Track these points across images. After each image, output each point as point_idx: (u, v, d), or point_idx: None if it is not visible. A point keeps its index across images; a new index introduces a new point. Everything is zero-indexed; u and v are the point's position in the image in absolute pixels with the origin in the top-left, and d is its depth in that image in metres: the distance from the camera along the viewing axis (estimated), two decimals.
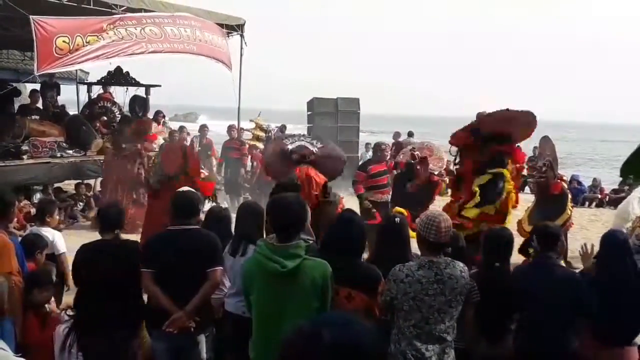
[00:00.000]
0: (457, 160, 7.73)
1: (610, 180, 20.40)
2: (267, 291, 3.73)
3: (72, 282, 5.05)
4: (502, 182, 7.20)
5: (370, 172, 9.59)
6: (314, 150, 7.37)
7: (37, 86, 14.02)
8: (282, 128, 17.09)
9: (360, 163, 18.66)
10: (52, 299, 5.14)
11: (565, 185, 8.39)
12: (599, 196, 17.69)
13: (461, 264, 3.88)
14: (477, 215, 7.12)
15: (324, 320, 1.79)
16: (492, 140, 7.21)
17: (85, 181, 13.12)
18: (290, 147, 7.40)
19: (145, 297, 4.88)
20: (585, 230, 12.83)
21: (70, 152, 12.01)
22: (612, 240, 4.69)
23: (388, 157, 10.60)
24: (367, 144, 19.85)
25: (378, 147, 10.04)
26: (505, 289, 4.43)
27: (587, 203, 17.42)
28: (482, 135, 7.24)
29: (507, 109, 7.08)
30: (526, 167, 8.82)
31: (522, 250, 6.59)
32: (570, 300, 4.25)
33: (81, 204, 12.70)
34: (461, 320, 3.96)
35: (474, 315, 4.12)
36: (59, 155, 11.77)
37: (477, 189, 7.14)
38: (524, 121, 7.20)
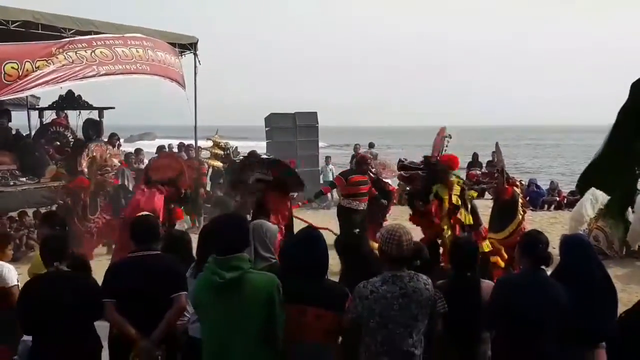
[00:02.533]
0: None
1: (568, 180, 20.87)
2: (213, 305, 3.79)
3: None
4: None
5: (350, 180, 9.89)
6: (270, 179, 7.58)
7: None
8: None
9: (321, 176, 18.80)
10: None
11: (518, 190, 8.43)
12: (557, 199, 18.02)
13: (424, 277, 3.85)
14: None
15: None
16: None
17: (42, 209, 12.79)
18: (250, 181, 7.64)
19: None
20: (546, 233, 12.95)
21: (24, 179, 11.71)
22: (577, 243, 4.70)
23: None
24: (326, 157, 19.87)
25: (363, 160, 10.27)
26: (477, 298, 4.39)
27: (546, 206, 17.72)
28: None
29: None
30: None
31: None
32: (557, 317, 4.14)
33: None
34: (428, 332, 3.92)
35: (443, 326, 4.09)
36: (11, 183, 11.47)
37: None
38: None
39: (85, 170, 11.09)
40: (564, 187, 19.80)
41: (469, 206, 7.47)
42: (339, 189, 10.12)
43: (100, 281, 4.62)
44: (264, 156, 8.47)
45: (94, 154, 11.20)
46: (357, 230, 4.72)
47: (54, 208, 12.65)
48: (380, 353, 3.72)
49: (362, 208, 9.90)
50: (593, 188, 11.31)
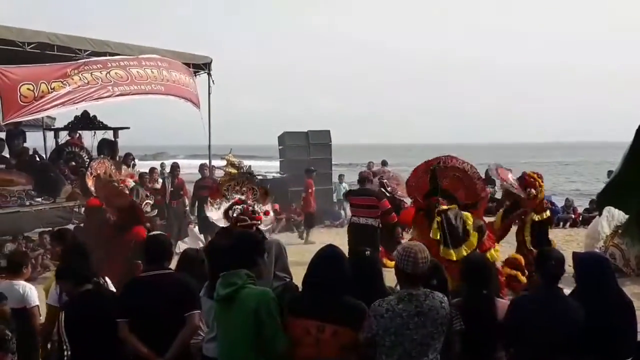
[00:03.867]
0: None
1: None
2: (218, 321, 4.13)
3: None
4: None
5: (351, 201, 10.05)
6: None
7: (2, 135, 13.82)
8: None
9: (335, 194, 18.81)
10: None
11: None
12: (573, 216, 17.90)
13: (440, 295, 3.84)
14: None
15: None
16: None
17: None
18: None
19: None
20: (561, 250, 12.84)
21: (39, 199, 11.80)
22: (595, 260, 4.65)
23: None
24: (340, 175, 19.88)
25: (366, 176, 10.53)
26: (492, 317, 4.36)
27: (561, 224, 17.58)
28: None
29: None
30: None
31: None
32: (573, 335, 4.06)
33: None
34: (446, 351, 3.89)
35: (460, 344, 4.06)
36: (27, 203, 11.55)
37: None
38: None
39: (93, 189, 11.15)
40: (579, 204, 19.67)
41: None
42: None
43: None
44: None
45: (98, 171, 11.25)
46: (368, 251, 4.66)
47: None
48: None
49: (367, 222, 9.86)
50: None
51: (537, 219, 8.99)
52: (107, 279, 5.49)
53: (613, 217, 11.09)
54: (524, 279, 8.22)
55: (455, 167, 7.70)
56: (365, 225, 9.84)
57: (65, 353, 4.51)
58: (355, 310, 3.89)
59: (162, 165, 17.90)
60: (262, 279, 4.26)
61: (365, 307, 3.89)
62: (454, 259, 7.12)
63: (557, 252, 4.49)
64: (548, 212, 9.22)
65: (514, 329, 4.20)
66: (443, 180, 7.58)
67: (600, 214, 11.32)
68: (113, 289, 5.79)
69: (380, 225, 9.94)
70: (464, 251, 7.24)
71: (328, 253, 4.12)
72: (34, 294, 5.86)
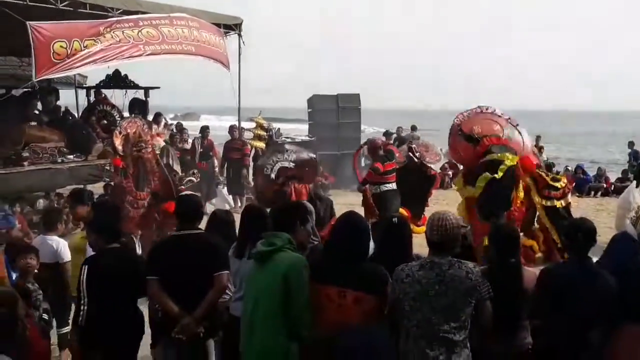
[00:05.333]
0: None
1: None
2: (249, 277, 4.17)
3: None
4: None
5: (379, 171, 9.74)
6: (291, 166, 8.47)
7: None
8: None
9: (363, 159, 18.75)
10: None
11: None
12: (605, 185, 17.63)
13: (470, 265, 3.82)
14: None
15: None
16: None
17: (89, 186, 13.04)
18: (272, 175, 8.43)
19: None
20: (592, 219, 12.68)
21: (71, 157, 11.92)
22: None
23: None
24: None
25: (375, 146, 10.20)
26: (519, 285, 4.34)
27: (592, 193, 17.36)
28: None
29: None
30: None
31: None
32: (605, 307, 4.06)
33: None
34: (477, 319, 3.90)
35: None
36: (59, 160, 11.66)
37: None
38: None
39: (120, 149, 11.21)
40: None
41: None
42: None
43: None
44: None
45: (127, 131, 11.30)
46: (396, 219, 4.64)
47: (100, 185, 12.94)
48: (416, 336, 3.73)
49: (392, 187, 9.81)
50: None
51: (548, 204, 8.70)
52: (136, 238, 5.58)
53: None
54: (537, 249, 8.24)
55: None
56: (394, 189, 9.82)
57: (82, 308, 4.56)
58: (376, 275, 3.91)
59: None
60: (304, 249, 4.32)
61: (386, 273, 3.91)
62: None
63: (588, 223, 4.43)
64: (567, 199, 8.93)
65: (545, 299, 4.18)
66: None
67: (627, 175, 11.12)
68: (139, 249, 5.89)
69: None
70: None
71: (349, 219, 4.15)
72: (66, 249, 5.98)
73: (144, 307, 4.96)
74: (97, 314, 4.53)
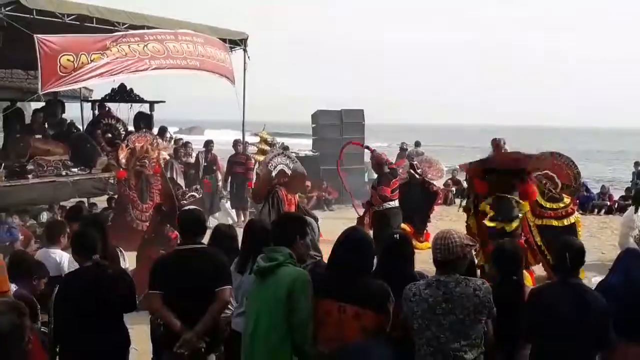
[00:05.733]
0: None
1: None
2: (251, 293, 4.16)
3: None
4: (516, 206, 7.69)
5: (381, 193, 9.47)
6: (288, 173, 8.64)
7: (41, 105, 14.02)
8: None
9: (366, 174, 18.76)
10: None
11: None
12: (608, 203, 17.57)
13: (479, 282, 3.80)
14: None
15: None
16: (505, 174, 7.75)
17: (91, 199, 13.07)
18: (273, 173, 8.56)
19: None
20: (595, 238, 12.70)
21: (75, 170, 11.96)
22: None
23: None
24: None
25: (379, 161, 9.80)
26: (522, 302, 4.32)
27: (596, 210, 17.32)
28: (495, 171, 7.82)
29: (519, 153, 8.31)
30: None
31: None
32: (593, 325, 4.01)
33: None
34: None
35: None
36: (64, 173, 11.70)
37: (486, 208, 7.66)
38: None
39: (123, 162, 11.25)
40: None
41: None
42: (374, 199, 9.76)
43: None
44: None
45: (135, 145, 11.34)
46: (397, 235, 4.63)
47: (104, 199, 12.98)
48: (427, 354, 3.73)
49: (395, 205, 9.53)
50: None
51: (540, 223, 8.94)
52: (123, 252, 5.52)
53: None
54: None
55: None
56: (395, 208, 9.67)
57: (50, 327, 4.55)
58: (376, 291, 3.89)
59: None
60: (302, 262, 4.29)
61: (388, 289, 3.89)
62: None
63: (577, 243, 4.40)
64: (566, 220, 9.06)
65: (532, 320, 4.15)
66: None
67: (630, 193, 11.13)
68: (125, 263, 5.83)
69: None
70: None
71: (352, 234, 4.14)
72: (69, 262, 5.97)
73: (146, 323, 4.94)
74: (61, 333, 4.52)
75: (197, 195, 9.02)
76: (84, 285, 4.50)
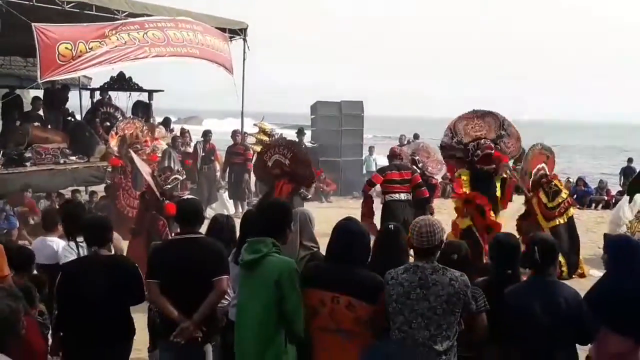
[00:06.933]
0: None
1: None
2: (240, 286, 4.15)
3: None
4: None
5: (386, 177, 9.46)
6: (286, 163, 8.49)
7: (40, 92, 14.01)
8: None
9: (364, 166, 18.77)
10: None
11: None
12: (606, 198, 17.62)
13: (457, 273, 3.78)
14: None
15: None
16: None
17: (90, 188, 13.07)
18: (269, 163, 8.55)
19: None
20: (591, 232, 12.74)
21: (74, 158, 11.95)
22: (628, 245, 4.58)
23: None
24: (370, 147, 19.78)
25: (393, 154, 9.79)
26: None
27: (593, 205, 17.36)
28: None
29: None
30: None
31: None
32: (566, 321, 3.98)
33: None
34: (467, 330, 3.93)
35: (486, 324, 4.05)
36: (62, 161, 11.70)
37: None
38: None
39: (115, 149, 11.24)
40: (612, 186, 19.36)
41: None
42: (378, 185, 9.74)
43: None
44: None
45: (124, 132, 11.33)
46: (392, 225, 4.64)
47: (102, 187, 12.98)
48: (398, 339, 3.75)
49: (403, 198, 9.43)
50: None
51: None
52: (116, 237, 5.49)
53: (635, 202, 10.92)
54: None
55: None
56: (403, 200, 9.56)
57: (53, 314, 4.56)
58: (369, 282, 3.91)
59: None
60: (285, 246, 4.25)
61: (382, 280, 3.90)
62: None
63: (547, 238, 4.41)
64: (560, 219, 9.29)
65: (506, 318, 4.13)
66: None
67: (630, 201, 11.16)
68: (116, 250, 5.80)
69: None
70: None
71: (346, 226, 4.12)
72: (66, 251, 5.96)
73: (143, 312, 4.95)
74: (64, 320, 4.54)
75: (180, 178, 8.92)
76: (83, 276, 4.52)
